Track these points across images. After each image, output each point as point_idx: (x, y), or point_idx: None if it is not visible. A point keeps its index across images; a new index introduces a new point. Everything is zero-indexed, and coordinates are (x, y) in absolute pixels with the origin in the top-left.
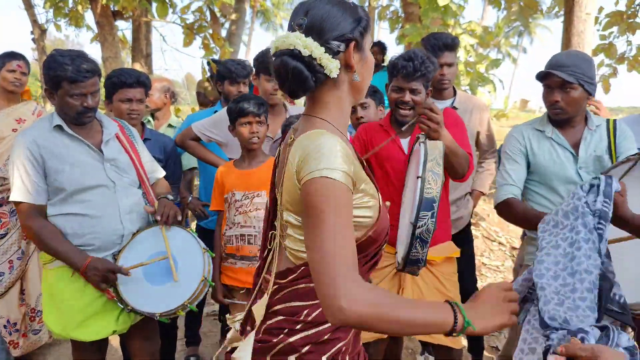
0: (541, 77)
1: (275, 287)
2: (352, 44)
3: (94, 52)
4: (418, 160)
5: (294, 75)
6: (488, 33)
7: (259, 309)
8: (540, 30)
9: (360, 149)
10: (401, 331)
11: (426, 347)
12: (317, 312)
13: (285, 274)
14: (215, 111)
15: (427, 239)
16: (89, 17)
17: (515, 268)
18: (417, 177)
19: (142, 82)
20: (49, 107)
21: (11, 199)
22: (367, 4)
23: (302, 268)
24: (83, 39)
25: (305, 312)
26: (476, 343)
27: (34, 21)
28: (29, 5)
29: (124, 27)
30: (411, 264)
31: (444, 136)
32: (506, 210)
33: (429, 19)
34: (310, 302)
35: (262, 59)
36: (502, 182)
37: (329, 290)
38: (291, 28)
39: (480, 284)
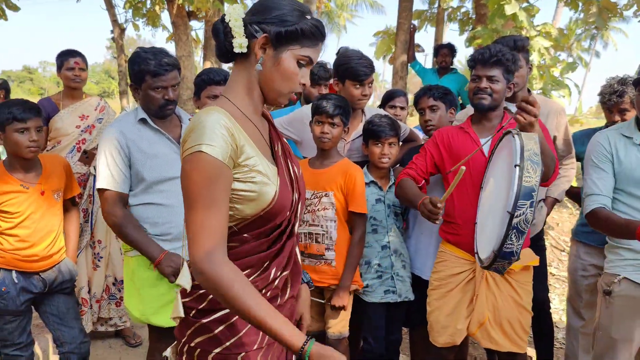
0: (636, 83)
1: None
2: (264, 36)
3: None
4: (510, 151)
5: (213, 35)
6: (563, 35)
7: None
8: (615, 34)
9: (436, 151)
10: (241, 314)
11: (491, 355)
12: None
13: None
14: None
15: (525, 230)
16: (165, 18)
17: (571, 275)
18: (515, 166)
19: None
20: (118, 102)
21: (97, 186)
22: (437, 4)
23: None
24: (157, 39)
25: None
26: (545, 356)
27: (114, 21)
28: (110, 5)
29: (197, 27)
30: (503, 258)
31: (537, 131)
32: (594, 221)
33: (494, 24)
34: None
35: (346, 65)
36: (589, 191)
37: (195, 256)
38: None
39: (549, 295)
